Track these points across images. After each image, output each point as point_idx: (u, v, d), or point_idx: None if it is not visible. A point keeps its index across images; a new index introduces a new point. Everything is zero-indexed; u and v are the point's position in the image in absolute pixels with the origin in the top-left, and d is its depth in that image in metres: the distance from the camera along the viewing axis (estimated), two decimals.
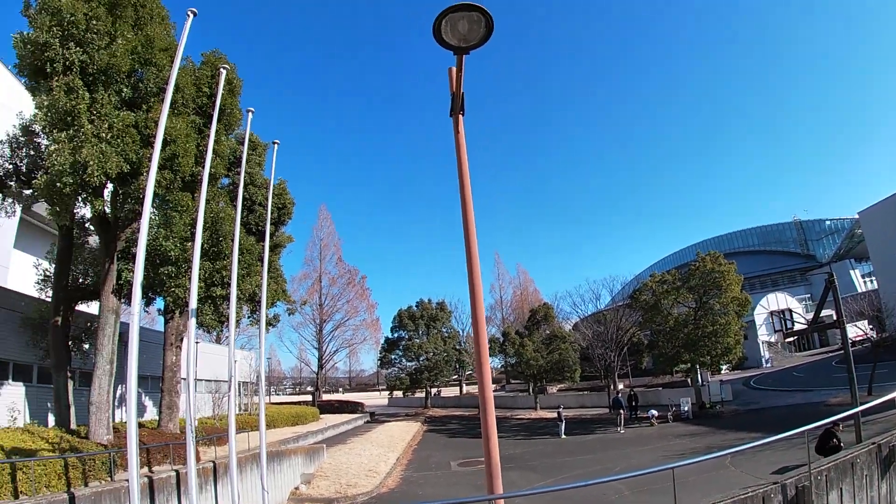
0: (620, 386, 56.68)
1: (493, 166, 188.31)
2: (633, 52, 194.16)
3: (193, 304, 14.71)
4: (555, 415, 41.75)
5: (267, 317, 23.15)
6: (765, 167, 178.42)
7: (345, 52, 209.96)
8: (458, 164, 7.07)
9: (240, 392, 46.44)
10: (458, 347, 71.53)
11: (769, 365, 66.17)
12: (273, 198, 22.67)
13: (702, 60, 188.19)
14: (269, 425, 19.90)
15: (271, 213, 22.27)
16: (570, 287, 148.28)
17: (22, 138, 20.52)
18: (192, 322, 15.07)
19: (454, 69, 7.01)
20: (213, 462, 20.41)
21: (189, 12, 14.40)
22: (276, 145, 21.53)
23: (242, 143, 23.31)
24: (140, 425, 24.99)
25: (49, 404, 23.41)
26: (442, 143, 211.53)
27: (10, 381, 23.10)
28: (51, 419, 23.13)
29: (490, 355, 65.88)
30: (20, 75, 19.46)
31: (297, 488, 25.83)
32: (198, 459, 18.92)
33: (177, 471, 18.54)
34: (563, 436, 37.32)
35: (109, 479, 16.95)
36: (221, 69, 18.64)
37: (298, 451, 28.35)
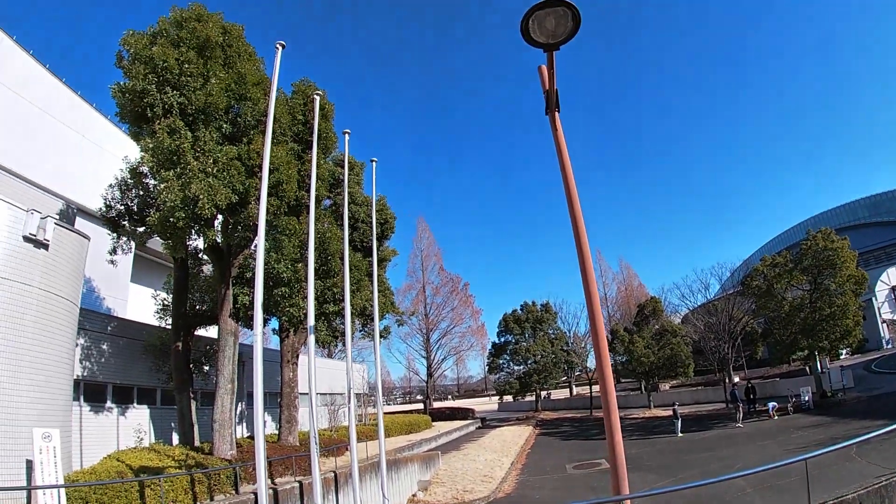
0: (736, 379, 54.54)
1: (591, 161, 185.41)
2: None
3: (311, 320, 15.26)
4: (669, 413, 40.76)
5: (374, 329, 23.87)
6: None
7: (428, 62, 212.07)
8: (559, 161, 6.96)
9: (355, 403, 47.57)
10: (565, 348, 70.29)
11: (890, 346, 62.18)
12: (375, 214, 23.31)
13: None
14: (384, 434, 20.41)
15: (374, 229, 22.91)
16: (676, 278, 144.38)
17: (130, 180, 21.98)
18: (312, 338, 15.64)
19: (545, 67, 6.93)
20: (334, 472, 21.10)
21: (277, 45, 15.08)
22: (374, 163, 22.16)
23: (339, 165, 24.08)
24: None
25: (173, 424, 24.94)
26: (531, 144, 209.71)
27: (135, 404, 24.60)
28: (174, 438, 24.70)
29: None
30: (122, 123, 20.77)
31: (414, 495, 26.28)
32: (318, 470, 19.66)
33: (299, 482, 19.30)
34: (680, 434, 36.26)
35: (234, 492, 17.87)
36: (314, 96, 19.46)
37: (414, 458, 28.86)
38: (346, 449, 27.10)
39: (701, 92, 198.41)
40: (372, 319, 26.45)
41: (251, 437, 27.36)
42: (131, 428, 23.58)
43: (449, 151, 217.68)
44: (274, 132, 18.85)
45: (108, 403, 23.17)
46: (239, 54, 19.74)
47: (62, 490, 13.61)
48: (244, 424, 31.49)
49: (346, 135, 20.61)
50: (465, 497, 24.85)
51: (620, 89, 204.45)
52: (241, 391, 25.35)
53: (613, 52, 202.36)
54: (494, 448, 39.37)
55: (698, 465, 25.32)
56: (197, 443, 22.68)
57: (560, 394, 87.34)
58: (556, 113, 7.01)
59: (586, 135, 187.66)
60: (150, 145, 17.17)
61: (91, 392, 22.40)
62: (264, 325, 21.02)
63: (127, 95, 17.97)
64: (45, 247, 16.40)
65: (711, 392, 55.11)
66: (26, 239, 15.90)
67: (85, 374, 21.97)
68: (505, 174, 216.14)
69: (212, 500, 16.78)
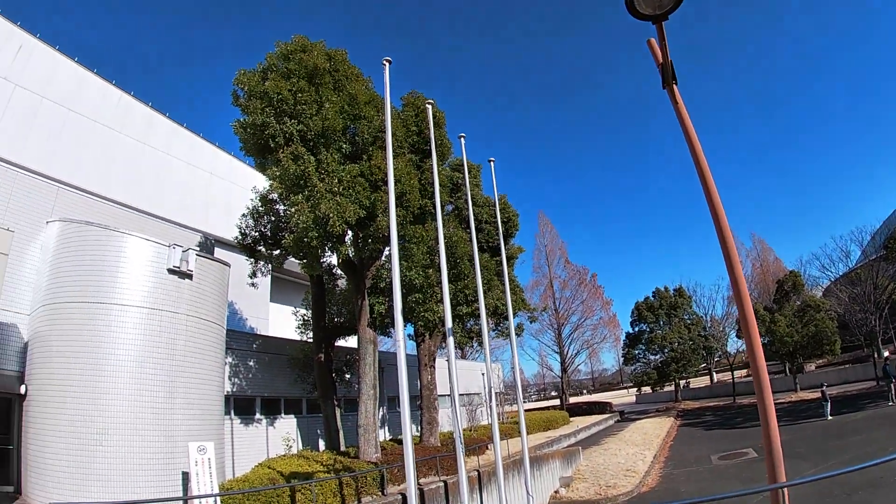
0: (885, 353, 50.36)
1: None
2: None
3: (449, 322, 15.48)
4: (817, 395, 38.51)
5: (508, 327, 24.14)
6: None
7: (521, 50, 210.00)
8: (685, 135, 6.69)
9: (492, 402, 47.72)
10: (702, 334, 67.64)
11: None
12: (498, 213, 23.54)
13: None
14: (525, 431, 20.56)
15: (498, 228, 23.15)
16: (813, 247, 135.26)
17: (261, 208, 23.49)
18: (451, 340, 15.84)
19: (654, 40, 6.71)
20: (478, 470, 21.34)
21: (384, 62, 15.45)
22: (492, 163, 22.32)
23: (455, 170, 24.45)
24: (401, 442, 26.97)
25: (319, 431, 26.38)
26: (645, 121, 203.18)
27: (282, 414, 26.17)
28: (321, 444, 26.10)
29: (737, 336, 62.52)
30: (247, 156, 22.04)
31: (556, 492, 26.25)
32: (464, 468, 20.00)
33: (444, 481, 19.66)
34: (829, 416, 34.08)
35: (381, 493, 18.54)
36: (425, 106, 19.91)
37: (555, 454, 28.74)
38: (487, 448, 27.49)
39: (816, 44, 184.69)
40: (504, 318, 26.69)
41: (393, 441, 28.37)
42: (280, 436, 25.05)
43: (558, 143, 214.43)
44: (391, 145, 19.54)
45: (258, 415, 24.73)
46: (346, 77, 20.41)
47: (218, 499, 14.67)
48: (386, 428, 32.60)
49: (462, 139, 20.81)
50: (609, 492, 24.57)
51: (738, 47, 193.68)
52: (382, 396, 26.29)
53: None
54: (635, 441, 38.62)
55: (852, 450, 23.84)
56: (343, 448, 23.75)
57: (700, 382, 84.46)
58: (674, 85, 6.72)
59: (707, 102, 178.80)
60: (277, 173, 18.21)
61: (241, 406, 24.10)
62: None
63: (248, 130, 18.99)
64: (190, 276, 17.97)
65: (860, 370, 51.64)
66: (171, 271, 17.55)
67: (235, 389, 23.67)
68: (618, 159, 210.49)
69: (359, 502, 17.44)
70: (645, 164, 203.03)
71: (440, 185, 22.24)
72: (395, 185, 14.75)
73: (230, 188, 31.01)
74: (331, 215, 17.23)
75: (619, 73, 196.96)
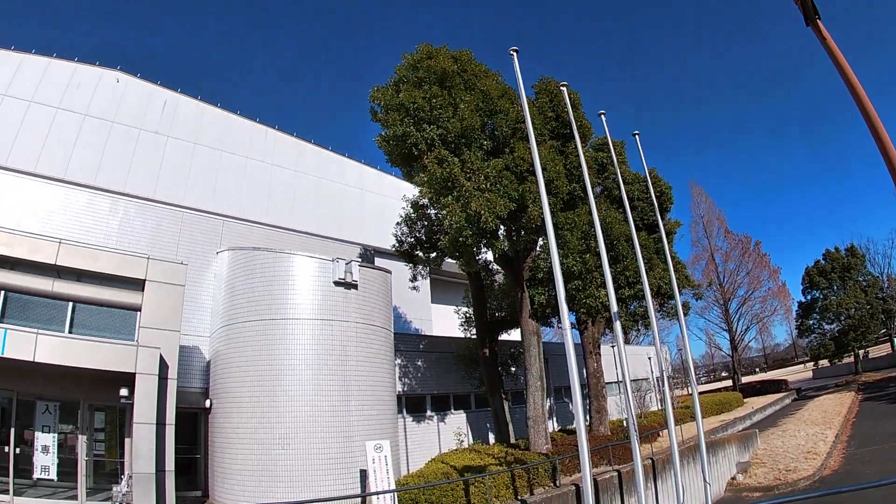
0: None
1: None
2: None
3: (614, 306, 15.23)
4: None
5: (674, 306, 23.34)
6: None
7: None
8: (838, 70, 6.30)
9: (659, 386, 46.27)
10: (880, 296, 61.84)
11: None
12: (651, 187, 22.74)
13: None
14: (694, 416, 19.81)
15: (652, 202, 22.40)
16: None
17: (413, 214, 24.42)
18: (618, 325, 15.57)
19: None
20: (652, 458, 20.86)
21: (511, 52, 15.37)
22: (636, 136, 21.60)
23: (598, 149, 23.95)
24: (570, 432, 26.81)
25: (488, 424, 26.77)
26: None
27: (452, 410, 26.89)
28: (490, 437, 26.47)
29: None
30: (392, 167, 23.44)
31: (733, 478, 25.27)
32: (631, 458, 19.56)
33: (617, 470, 19.41)
34: None
35: (553, 484, 18.50)
36: (559, 90, 19.63)
37: (731, 439, 27.64)
38: (659, 435, 26.82)
39: None
40: (668, 297, 25.89)
41: (562, 431, 28.34)
42: (451, 432, 25.73)
43: (698, 105, 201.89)
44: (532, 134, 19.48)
45: (428, 412, 25.62)
46: (475, 75, 20.64)
47: (395, 494, 15.26)
48: (554, 419, 32.56)
49: (602, 116, 20.28)
50: (789, 477, 23.38)
51: None
52: (549, 387, 26.29)
53: None
54: (815, 420, 36.40)
55: None
56: (512, 440, 24.03)
57: (879, 350, 76.85)
58: (818, 21, 6.37)
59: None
60: (425, 179, 18.65)
61: (412, 404, 25.05)
62: (560, 321, 21.61)
63: (391, 143, 19.71)
64: (355, 286, 19.10)
65: None
66: (337, 283, 18.82)
67: (405, 389, 24.64)
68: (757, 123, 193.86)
69: (531, 493, 17.41)
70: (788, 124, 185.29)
71: (587, 167, 21.94)
72: (542, 172, 14.60)
73: (381, 200, 32.57)
74: (482, 212, 17.39)
75: (749, 31, 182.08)
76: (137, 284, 16.68)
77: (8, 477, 15.37)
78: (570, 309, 23.96)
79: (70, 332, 17.16)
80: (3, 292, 17.39)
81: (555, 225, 20.48)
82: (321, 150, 32.17)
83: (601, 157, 26.82)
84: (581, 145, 18.05)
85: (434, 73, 19.60)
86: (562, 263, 20.55)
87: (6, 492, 15.32)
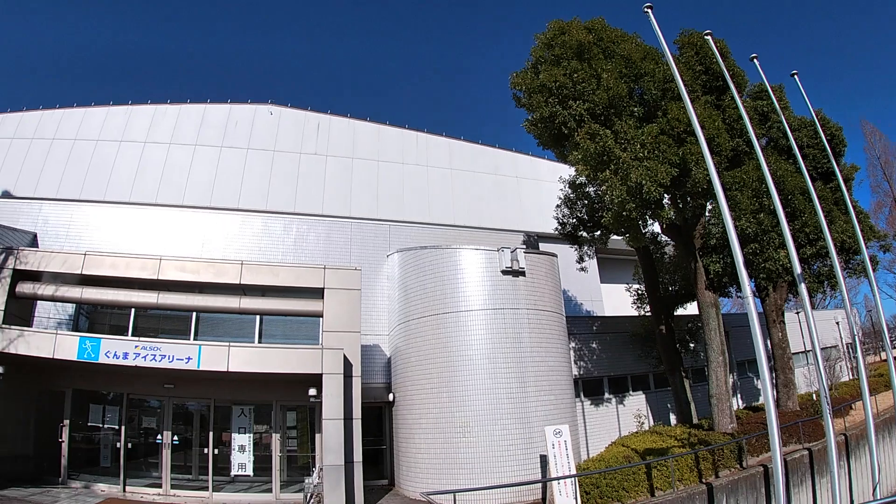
0: None
1: None
2: None
3: (797, 268, 14.07)
4: None
5: (861, 262, 21.35)
6: None
7: None
8: None
9: (851, 353, 42.53)
10: None
11: None
12: (821, 130, 20.95)
13: None
14: (890, 384, 17.92)
15: (823, 147, 20.65)
16: None
17: (572, 195, 24.18)
18: (803, 287, 14.41)
19: None
20: (844, 434, 19.61)
21: (646, 9, 14.68)
22: (795, 76, 19.89)
23: (757, 98, 22.40)
24: (755, 409, 25.40)
25: (668, 405, 25.85)
26: None
27: (631, 391, 26.20)
28: (671, 418, 25.53)
29: None
30: (544, 150, 22.96)
31: None
32: (822, 435, 18.25)
33: (808, 449, 18.44)
34: None
35: (739, 466, 17.56)
36: (704, 40, 18.69)
37: None
38: (851, 408, 24.78)
39: None
40: (852, 253, 23.75)
41: (747, 409, 26.83)
42: (630, 414, 25.20)
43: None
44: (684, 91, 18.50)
45: (606, 395, 25.19)
46: (613, 41, 19.78)
47: (576, 479, 15.11)
48: (738, 396, 30.88)
49: (755, 60, 18.83)
50: None
51: None
52: (731, 362, 24.91)
53: None
54: None
55: None
56: (695, 420, 23.02)
57: None
58: None
59: None
60: (578, 156, 18.06)
61: (589, 387, 24.76)
62: (739, 290, 20.28)
63: (539, 126, 19.51)
64: (523, 273, 19.19)
65: None
66: (504, 272, 19.03)
67: (581, 372, 24.42)
68: None
69: (717, 476, 16.70)
70: None
71: (748, 118, 20.56)
72: (701, 131, 13.81)
73: (538, 185, 32.54)
74: (643, 182, 16.64)
75: None
76: (317, 293, 17.84)
77: (208, 475, 17.55)
78: (748, 275, 22.53)
79: (259, 342, 18.99)
80: (195, 314, 19.61)
81: (722, 186, 19.40)
82: (472, 145, 32.81)
83: (760, 106, 24.82)
84: (738, 95, 17.02)
85: (570, 48, 19.12)
86: (735, 227, 19.44)
87: (206, 488, 17.54)
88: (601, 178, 17.69)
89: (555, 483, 15.06)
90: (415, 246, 21.21)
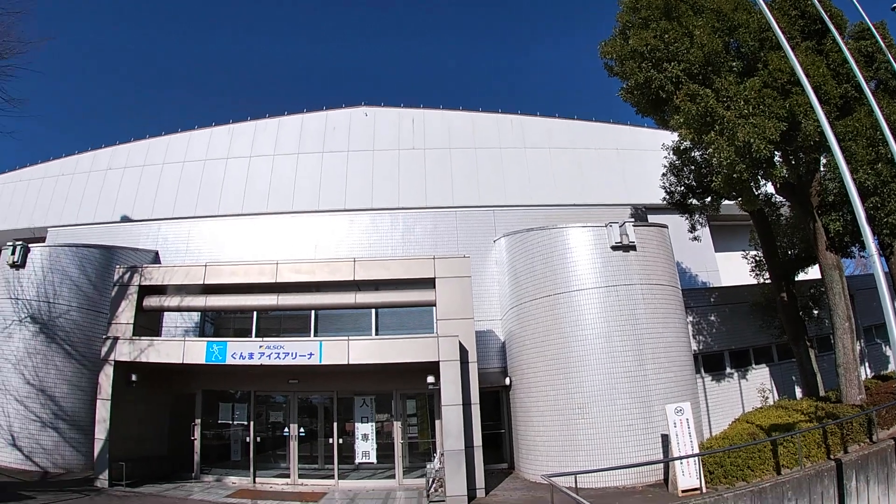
0: None
1: None
2: None
3: None
4: None
5: None
6: None
7: None
8: None
9: None
10: None
11: None
12: None
13: None
14: None
15: None
16: None
17: (677, 161, 23.15)
18: None
19: None
20: None
21: None
22: None
23: (860, 38, 21.01)
24: (885, 378, 23.90)
25: (794, 377, 24.47)
26: None
27: (753, 365, 24.97)
28: (797, 391, 24.17)
29: None
30: (644, 118, 22.15)
31: None
32: None
33: None
34: None
35: (869, 440, 16.53)
36: None
37: None
38: None
39: None
40: None
41: (876, 378, 25.01)
42: (753, 388, 24.10)
43: None
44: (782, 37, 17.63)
45: (727, 369, 24.26)
46: None
47: (699, 458, 14.62)
48: (866, 364, 28.96)
49: None
50: None
51: None
52: (857, 328, 23.40)
53: None
54: None
55: None
56: (822, 392, 21.66)
57: None
58: None
59: None
60: (680, 120, 17.40)
61: (709, 362, 23.91)
62: (863, 249, 18.87)
63: (635, 93, 18.88)
64: (633, 248, 18.76)
65: None
66: (614, 248, 18.66)
67: (700, 346, 23.58)
68: None
69: (845, 451, 15.76)
70: None
71: (853, 60, 19.33)
72: (806, 79, 13.09)
73: (640, 155, 31.20)
74: (751, 140, 15.84)
75: None
76: (428, 283, 18.17)
77: (333, 464, 18.41)
78: (871, 232, 21.08)
79: (376, 335, 19.54)
80: (313, 312, 20.44)
81: (835, 136, 18.27)
82: (569, 122, 32.25)
83: (864, 46, 22.96)
84: (839, 38, 16.10)
85: (657, 8, 18.36)
86: (853, 179, 18.26)
87: (331, 476, 18.42)
88: (706, 140, 17.02)
89: (677, 463, 14.66)
90: (521, 229, 21.10)
